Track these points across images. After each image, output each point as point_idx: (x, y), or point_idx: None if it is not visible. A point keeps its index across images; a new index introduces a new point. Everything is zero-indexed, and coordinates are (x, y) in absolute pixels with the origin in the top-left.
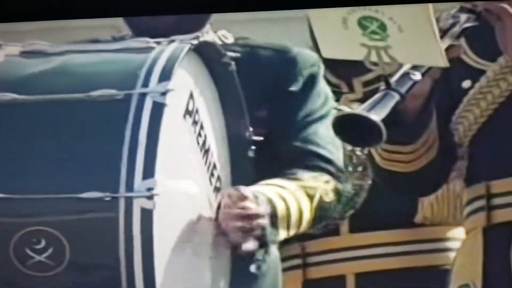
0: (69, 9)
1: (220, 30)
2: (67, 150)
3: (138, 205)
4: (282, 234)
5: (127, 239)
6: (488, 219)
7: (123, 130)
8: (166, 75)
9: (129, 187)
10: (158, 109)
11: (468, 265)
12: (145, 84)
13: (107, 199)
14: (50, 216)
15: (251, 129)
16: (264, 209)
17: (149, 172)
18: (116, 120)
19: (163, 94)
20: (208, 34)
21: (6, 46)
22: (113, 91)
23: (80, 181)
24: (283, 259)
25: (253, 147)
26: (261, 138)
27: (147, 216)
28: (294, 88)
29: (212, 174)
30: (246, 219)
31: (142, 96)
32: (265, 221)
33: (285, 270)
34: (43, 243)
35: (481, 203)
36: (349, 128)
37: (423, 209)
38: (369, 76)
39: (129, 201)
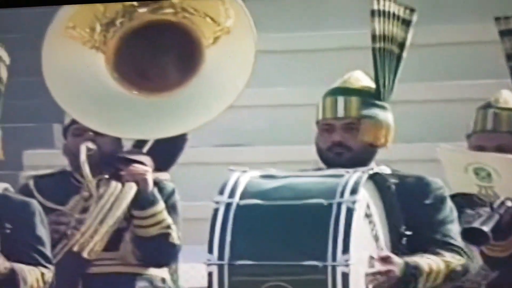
0: None
1: (380, 165)
2: (293, 235)
3: (340, 270)
4: (428, 285)
5: None
6: None
7: (328, 224)
8: (354, 191)
9: (334, 258)
10: (350, 212)
11: None
12: (341, 196)
13: (320, 266)
14: (285, 276)
15: (403, 226)
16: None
17: (346, 249)
18: (323, 218)
19: (353, 203)
20: (375, 166)
21: (250, 171)
22: (321, 200)
23: (302, 254)
24: None
25: (405, 238)
26: (410, 232)
27: (345, 278)
28: (428, 201)
29: None
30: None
31: (339, 204)
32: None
33: None
34: None
35: None
36: (471, 234)
37: None
38: None
39: (334, 268)
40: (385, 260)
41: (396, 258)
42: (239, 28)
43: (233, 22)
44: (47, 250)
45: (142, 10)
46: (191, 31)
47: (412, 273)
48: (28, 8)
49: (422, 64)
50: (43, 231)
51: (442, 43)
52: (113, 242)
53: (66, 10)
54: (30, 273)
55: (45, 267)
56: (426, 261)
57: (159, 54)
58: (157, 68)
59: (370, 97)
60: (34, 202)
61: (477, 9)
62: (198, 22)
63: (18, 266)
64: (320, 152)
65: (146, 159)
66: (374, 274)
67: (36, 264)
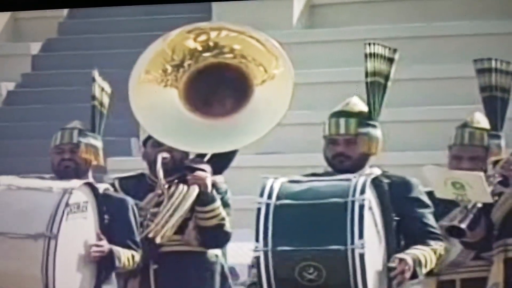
0: None
1: (372, 167)
2: (319, 226)
3: (357, 251)
4: (424, 271)
5: (353, 268)
6: (505, 255)
7: (345, 217)
8: (362, 191)
9: (352, 242)
10: (361, 207)
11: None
12: (353, 195)
13: (342, 249)
14: (315, 257)
15: (392, 214)
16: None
17: (361, 235)
18: (341, 212)
19: (363, 200)
20: (368, 170)
21: (280, 177)
22: (337, 199)
23: (327, 240)
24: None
25: (394, 222)
26: (398, 218)
27: (362, 257)
28: (410, 195)
29: (379, 239)
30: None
31: (352, 201)
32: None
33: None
34: (311, 269)
35: (501, 249)
36: (452, 229)
37: None
38: None
39: (353, 250)
40: (401, 261)
41: (409, 259)
42: (282, 76)
43: (279, 72)
44: (137, 237)
45: (206, 54)
46: (244, 72)
47: (418, 265)
48: (123, 50)
49: (417, 93)
50: (134, 222)
51: (435, 78)
52: (180, 228)
53: (143, 58)
54: (123, 254)
55: (135, 250)
56: (421, 253)
57: (219, 87)
58: (217, 98)
59: (364, 118)
60: (129, 199)
61: (456, 52)
62: (251, 67)
63: (115, 248)
64: (327, 159)
65: (206, 167)
66: (395, 274)
67: (129, 247)
